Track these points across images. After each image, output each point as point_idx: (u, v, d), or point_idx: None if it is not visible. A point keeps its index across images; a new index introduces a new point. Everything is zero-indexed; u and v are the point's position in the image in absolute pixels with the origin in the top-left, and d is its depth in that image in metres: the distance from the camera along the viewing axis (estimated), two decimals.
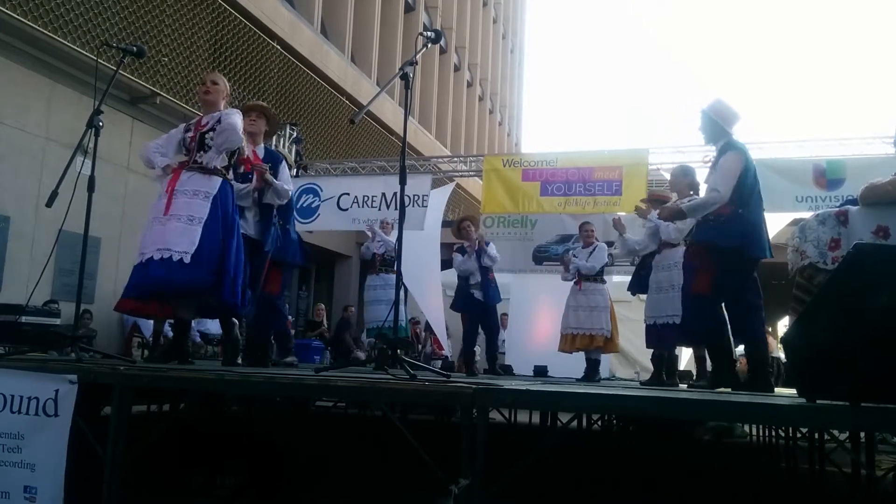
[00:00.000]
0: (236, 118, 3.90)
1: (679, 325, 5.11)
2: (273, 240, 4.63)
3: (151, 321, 7.39)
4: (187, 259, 3.59)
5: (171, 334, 6.09)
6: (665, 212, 4.85)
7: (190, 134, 3.94)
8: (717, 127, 4.32)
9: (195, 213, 3.70)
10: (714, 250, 4.18)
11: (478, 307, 6.47)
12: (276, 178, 4.61)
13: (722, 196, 4.10)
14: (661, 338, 5.60)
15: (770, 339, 8.63)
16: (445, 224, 10.12)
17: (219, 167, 3.88)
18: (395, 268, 4.87)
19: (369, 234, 8.43)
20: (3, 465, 3.06)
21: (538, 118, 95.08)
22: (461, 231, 6.65)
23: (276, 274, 4.92)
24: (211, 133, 3.86)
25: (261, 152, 4.76)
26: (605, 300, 6.53)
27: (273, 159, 4.76)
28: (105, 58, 7.40)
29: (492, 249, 6.48)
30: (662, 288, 5.52)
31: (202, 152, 3.85)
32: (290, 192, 4.79)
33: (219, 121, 3.89)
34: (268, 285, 4.76)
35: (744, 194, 4.12)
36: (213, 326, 8.21)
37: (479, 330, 6.73)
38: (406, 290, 9.17)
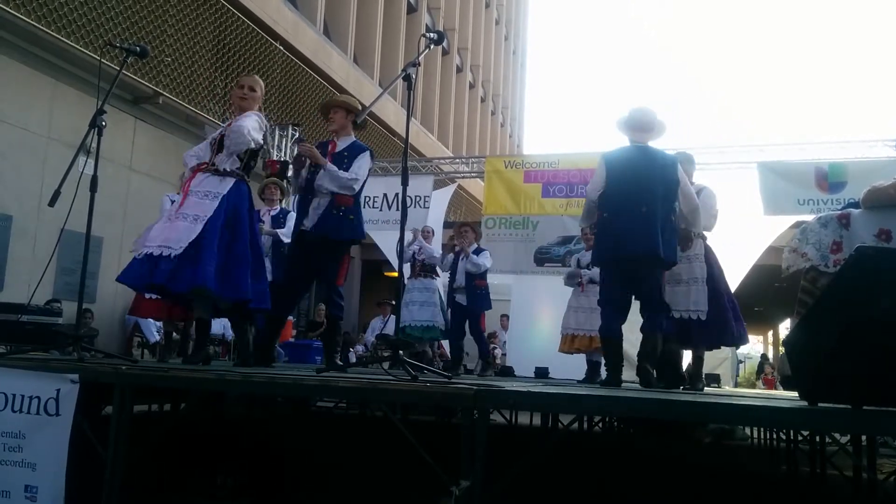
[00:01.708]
0: (246, 121, 3.90)
1: (705, 323, 4.73)
2: (347, 230, 4.24)
3: (156, 321, 7.41)
4: (177, 253, 3.62)
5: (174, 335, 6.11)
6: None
7: (215, 136, 4.05)
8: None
9: (200, 213, 3.75)
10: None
11: (459, 310, 6.77)
12: (350, 167, 4.28)
13: (590, 198, 4.41)
14: (682, 333, 4.94)
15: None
16: (447, 225, 10.11)
17: (230, 169, 3.93)
18: (398, 269, 4.82)
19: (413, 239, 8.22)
20: (4, 464, 3.06)
21: (540, 120, 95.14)
22: (458, 233, 6.98)
23: None
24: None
25: (346, 145, 4.41)
26: None
27: (353, 150, 4.36)
28: (108, 58, 7.40)
29: (478, 258, 6.69)
30: (682, 280, 4.91)
31: (220, 154, 3.94)
32: (354, 184, 4.25)
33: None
34: None
35: (609, 198, 4.26)
36: (215, 326, 8.20)
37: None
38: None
